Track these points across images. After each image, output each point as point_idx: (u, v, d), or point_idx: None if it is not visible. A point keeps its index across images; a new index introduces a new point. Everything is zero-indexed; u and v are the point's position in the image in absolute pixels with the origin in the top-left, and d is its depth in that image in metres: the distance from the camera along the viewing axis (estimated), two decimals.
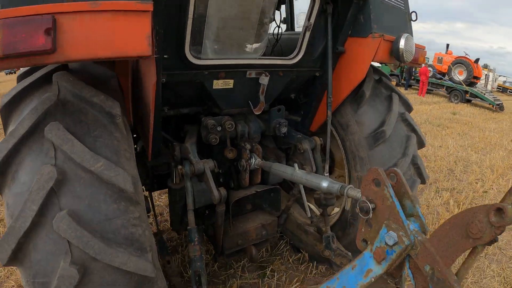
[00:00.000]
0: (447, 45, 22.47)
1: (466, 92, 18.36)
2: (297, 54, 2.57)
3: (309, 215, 2.77)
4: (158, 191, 4.92)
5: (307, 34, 2.53)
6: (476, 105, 18.43)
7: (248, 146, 2.65)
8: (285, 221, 3.02)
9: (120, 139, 1.60)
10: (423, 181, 2.95)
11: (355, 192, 1.59)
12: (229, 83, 2.44)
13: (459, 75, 19.69)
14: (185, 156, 2.42)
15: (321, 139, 2.74)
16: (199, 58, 2.18)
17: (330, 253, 2.66)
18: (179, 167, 2.30)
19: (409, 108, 2.99)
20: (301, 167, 2.60)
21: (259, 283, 3.28)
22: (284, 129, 2.78)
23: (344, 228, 3.02)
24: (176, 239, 3.88)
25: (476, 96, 17.98)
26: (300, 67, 2.65)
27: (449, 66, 20.39)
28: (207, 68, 2.25)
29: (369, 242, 1.48)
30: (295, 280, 3.37)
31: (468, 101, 18.55)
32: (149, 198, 2.85)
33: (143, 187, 2.78)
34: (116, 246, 1.39)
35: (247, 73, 2.44)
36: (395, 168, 1.40)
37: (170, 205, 2.68)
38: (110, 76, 1.96)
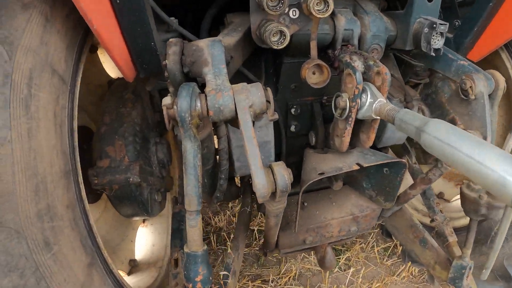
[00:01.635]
0: None
1: None
2: None
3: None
4: None
5: None
6: None
7: (359, 65, 1.26)
8: (392, 215, 1.91)
9: None
10: None
11: None
12: None
13: None
14: (195, 71, 1.07)
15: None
16: None
17: None
18: (166, 100, 0.99)
19: None
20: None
21: (325, 276, 2.46)
22: (439, 41, 1.34)
23: (477, 242, 1.95)
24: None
25: None
26: None
27: None
28: None
29: None
30: (375, 281, 2.48)
31: None
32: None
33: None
34: None
35: None
36: None
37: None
38: None
